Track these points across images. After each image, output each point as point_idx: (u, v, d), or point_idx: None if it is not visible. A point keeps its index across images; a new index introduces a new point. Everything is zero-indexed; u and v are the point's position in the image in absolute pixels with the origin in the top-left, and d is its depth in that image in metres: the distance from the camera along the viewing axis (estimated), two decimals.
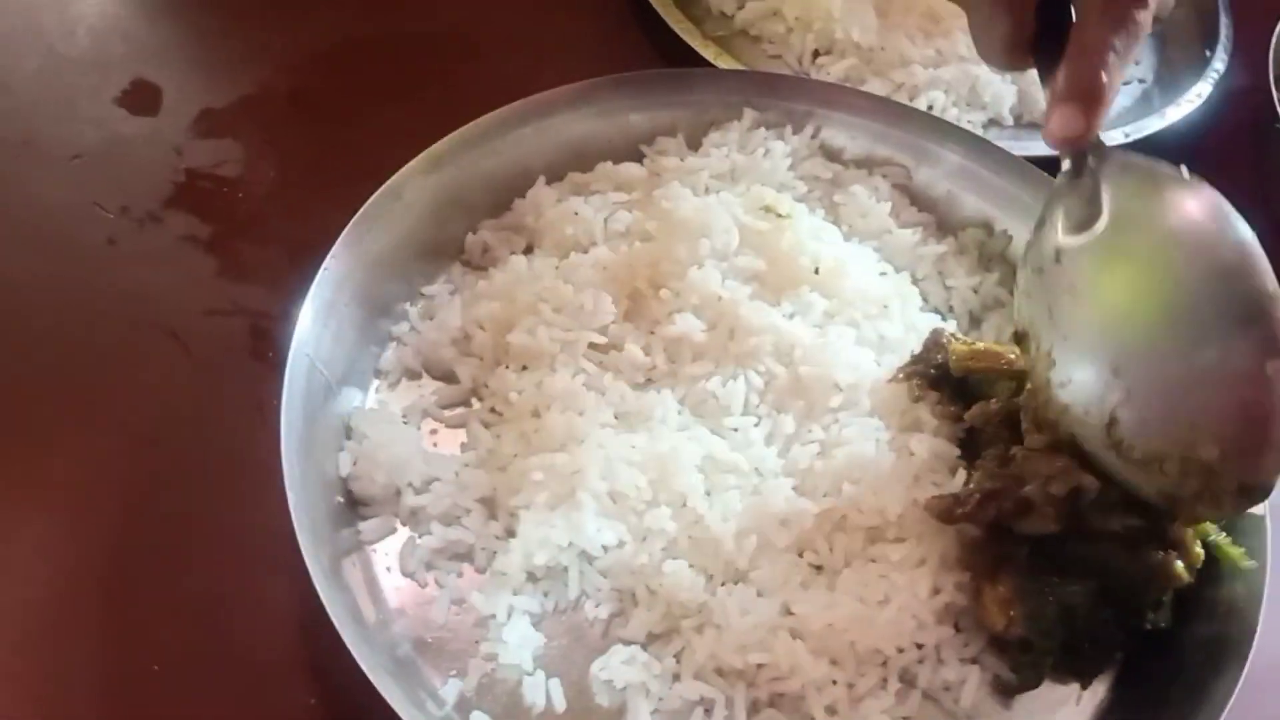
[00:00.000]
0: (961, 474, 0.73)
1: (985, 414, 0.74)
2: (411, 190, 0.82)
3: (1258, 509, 0.69)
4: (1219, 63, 1.06)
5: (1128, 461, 0.63)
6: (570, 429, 0.73)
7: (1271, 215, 0.99)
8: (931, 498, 0.70)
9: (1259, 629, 0.67)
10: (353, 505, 0.73)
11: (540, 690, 0.66)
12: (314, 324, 0.73)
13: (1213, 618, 0.70)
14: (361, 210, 0.78)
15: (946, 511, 0.69)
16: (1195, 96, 1.03)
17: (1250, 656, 0.65)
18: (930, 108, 1.02)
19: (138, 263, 0.88)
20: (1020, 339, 0.71)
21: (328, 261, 0.75)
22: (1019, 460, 0.69)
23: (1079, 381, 0.66)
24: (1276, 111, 0.97)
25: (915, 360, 0.78)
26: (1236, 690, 0.64)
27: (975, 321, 0.89)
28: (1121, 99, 1.10)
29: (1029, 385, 0.70)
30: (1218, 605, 0.70)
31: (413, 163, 0.82)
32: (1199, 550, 0.68)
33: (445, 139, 0.84)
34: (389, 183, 0.80)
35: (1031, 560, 0.68)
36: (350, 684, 0.59)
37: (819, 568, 0.71)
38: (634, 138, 0.93)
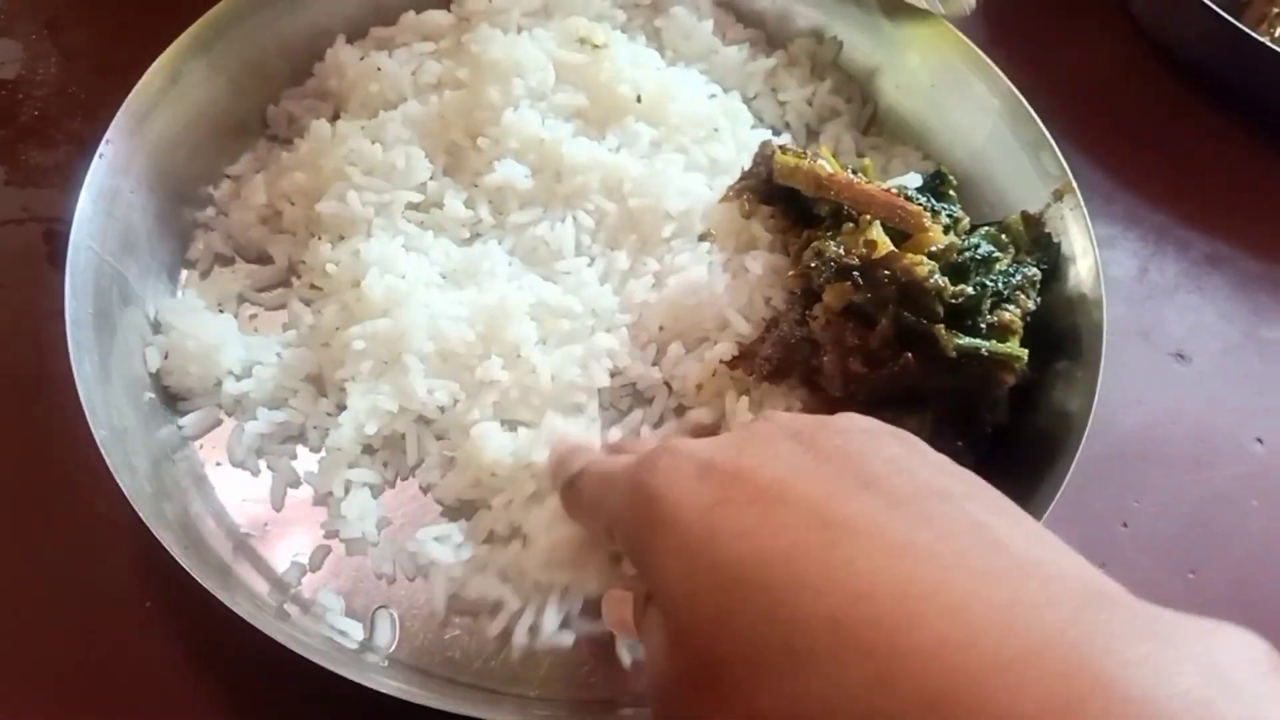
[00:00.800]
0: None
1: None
2: (195, 62, 0.75)
3: None
4: None
5: None
6: (392, 293, 0.69)
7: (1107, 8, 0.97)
8: (730, 359, 0.68)
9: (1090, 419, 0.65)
10: (171, 402, 0.69)
11: (387, 560, 0.64)
12: (95, 216, 0.67)
13: (1048, 409, 0.69)
14: (132, 91, 0.72)
15: (744, 372, 0.67)
16: None
17: (1081, 446, 0.64)
18: None
19: None
20: None
21: (101, 148, 0.69)
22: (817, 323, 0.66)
23: None
24: None
25: (745, 176, 0.75)
26: (1067, 477, 0.62)
27: (813, 135, 0.86)
28: None
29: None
30: (1052, 396, 0.69)
31: (186, 33, 0.75)
32: (1021, 352, 0.66)
33: (223, 2, 0.78)
34: (161, 58, 0.73)
35: (861, 406, 0.66)
36: (188, 583, 0.57)
37: None
38: None
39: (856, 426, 0.41)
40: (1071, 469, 0.61)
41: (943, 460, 0.40)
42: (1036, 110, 0.77)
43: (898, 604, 0.31)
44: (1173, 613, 0.30)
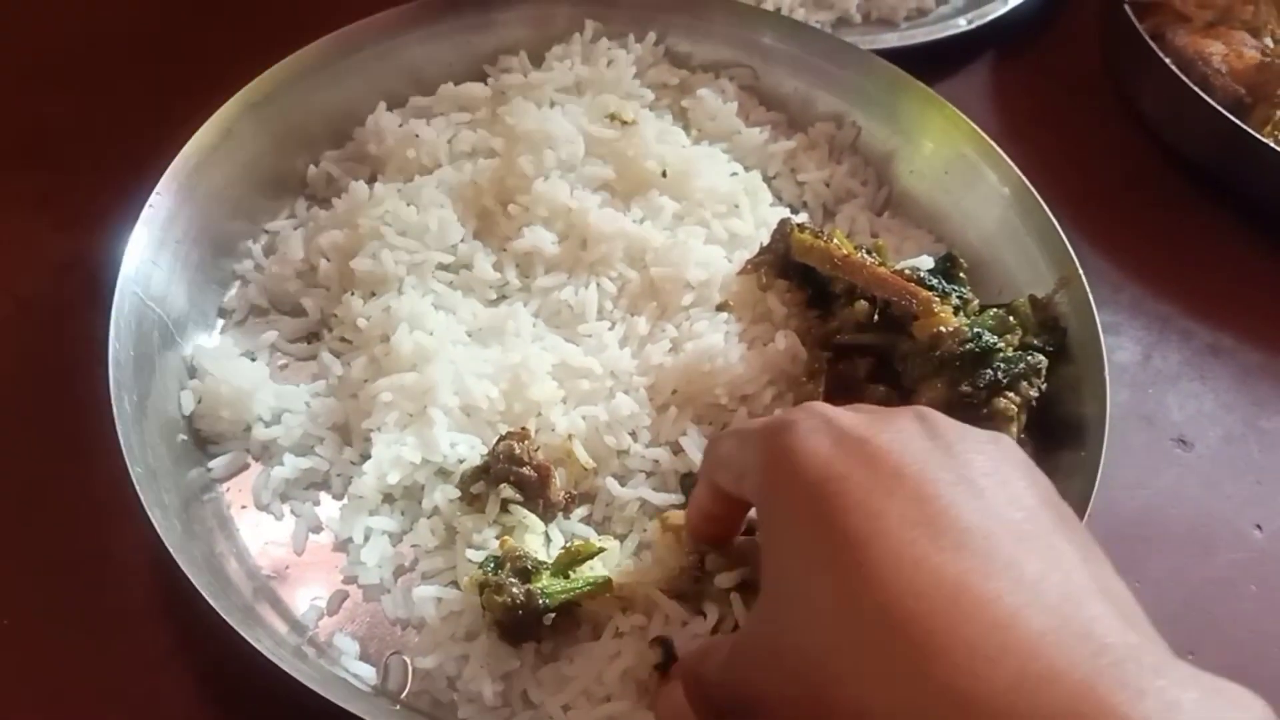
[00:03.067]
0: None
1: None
2: (241, 123, 0.80)
3: None
4: None
5: None
6: (420, 349, 0.72)
7: (1118, 92, 1.01)
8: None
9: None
10: (202, 445, 0.71)
11: (400, 607, 0.65)
12: (141, 261, 0.71)
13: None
14: (185, 147, 0.76)
15: None
16: None
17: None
18: (778, 9, 1.02)
19: None
20: None
21: (152, 199, 0.73)
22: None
23: None
24: None
25: (764, 251, 0.79)
26: None
27: (829, 214, 0.89)
28: None
29: None
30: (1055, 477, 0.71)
31: (239, 94, 0.79)
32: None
33: (273, 68, 0.82)
34: (214, 117, 0.78)
35: None
36: (209, 624, 0.58)
37: None
38: (476, 58, 0.91)
39: (998, 445, 0.45)
40: None
41: (1049, 489, 0.44)
42: (1046, 200, 0.81)
43: (949, 606, 0.35)
44: (1192, 668, 0.33)
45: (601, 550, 0.65)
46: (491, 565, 0.63)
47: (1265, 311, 0.88)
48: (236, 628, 0.57)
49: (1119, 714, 0.31)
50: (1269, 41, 1.00)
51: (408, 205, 0.79)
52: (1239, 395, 0.83)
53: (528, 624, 0.61)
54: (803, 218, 0.85)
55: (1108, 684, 0.32)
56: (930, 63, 0.95)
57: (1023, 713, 0.32)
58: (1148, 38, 0.93)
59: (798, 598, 0.41)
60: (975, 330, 0.71)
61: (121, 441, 0.62)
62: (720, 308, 0.77)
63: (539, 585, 0.62)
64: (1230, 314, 0.87)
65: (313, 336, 0.78)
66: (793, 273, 0.78)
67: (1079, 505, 0.66)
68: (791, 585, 0.42)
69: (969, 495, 0.40)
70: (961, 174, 0.85)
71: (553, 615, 0.62)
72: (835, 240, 0.75)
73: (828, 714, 0.38)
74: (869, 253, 0.77)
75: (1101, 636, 0.34)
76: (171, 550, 0.59)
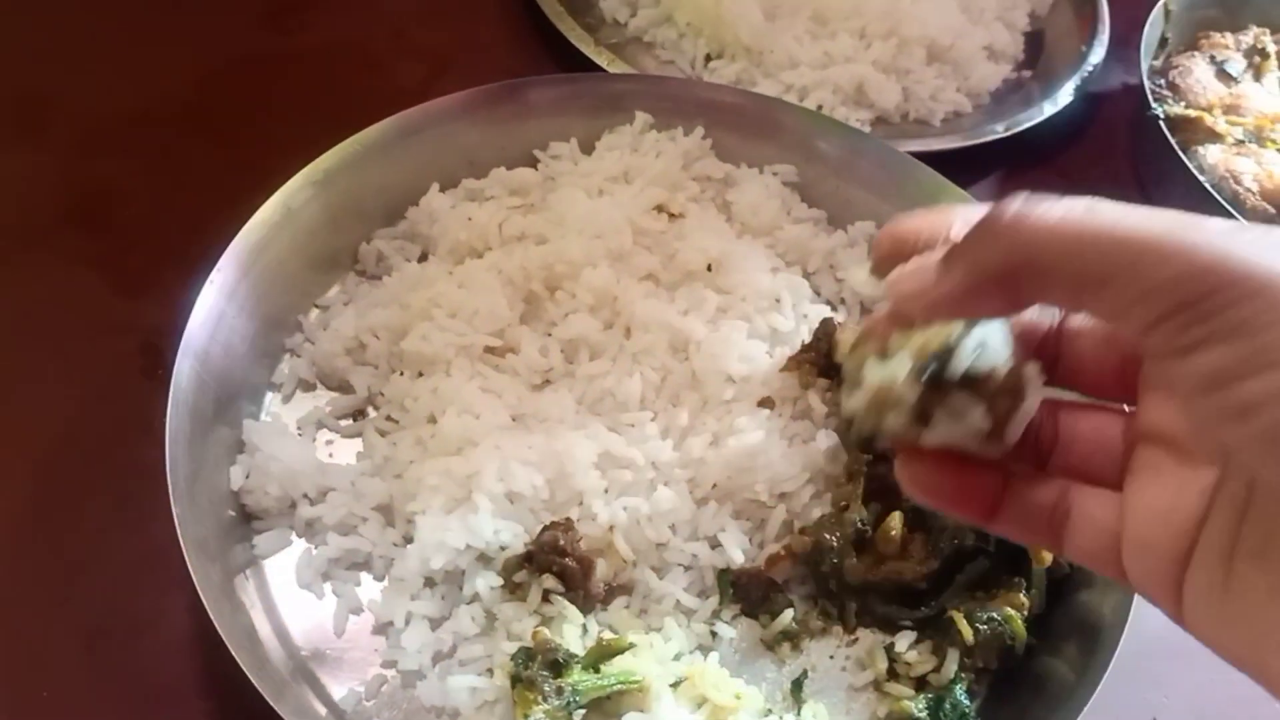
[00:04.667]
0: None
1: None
2: (301, 200, 0.82)
3: None
4: (1095, 56, 1.10)
5: None
6: (466, 432, 0.73)
7: (1148, 200, 1.04)
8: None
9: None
10: (247, 520, 0.72)
11: (437, 693, 0.65)
12: (200, 336, 0.72)
13: (1084, 601, 0.72)
14: (249, 222, 0.78)
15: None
16: (1072, 90, 1.06)
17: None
18: (820, 108, 1.05)
19: (27, 284, 0.86)
20: None
21: (213, 275, 0.74)
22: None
23: None
24: (1149, 101, 1.01)
25: (805, 349, 0.80)
26: (1105, 676, 0.65)
27: (867, 312, 0.91)
28: (1002, 91, 1.14)
29: None
30: (1090, 590, 0.72)
31: (302, 173, 0.81)
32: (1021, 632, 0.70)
33: (335, 148, 0.84)
34: (277, 194, 0.80)
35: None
36: (246, 702, 0.59)
37: None
38: (527, 144, 0.94)
39: None
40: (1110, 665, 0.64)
41: None
42: None
43: None
44: None
45: (632, 645, 0.66)
46: (523, 658, 0.63)
47: None
48: (275, 706, 0.58)
49: None
50: None
51: (458, 287, 0.81)
52: None
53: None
54: (841, 315, 0.86)
55: None
56: (965, 166, 0.97)
57: None
58: (1180, 153, 0.96)
59: None
60: None
61: (176, 515, 0.63)
62: (761, 403, 0.78)
63: (570, 680, 0.62)
64: None
65: (359, 414, 0.79)
66: (833, 372, 0.79)
67: (1113, 623, 0.67)
68: None
69: None
70: None
71: (583, 712, 0.62)
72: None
73: None
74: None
75: None
76: (217, 625, 0.60)
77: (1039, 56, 1.18)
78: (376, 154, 0.87)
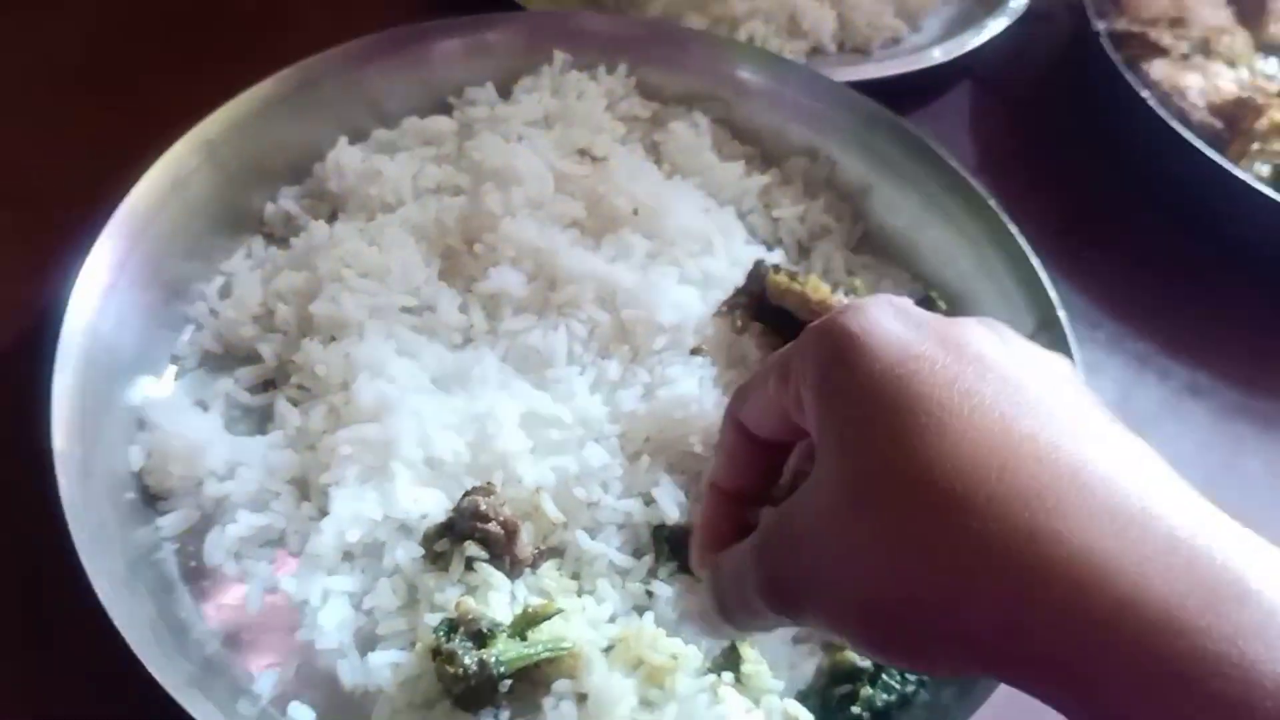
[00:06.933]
0: None
1: None
2: (197, 160, 0.76)
3: None
4: None
5: None
6: (382, 398, 0.69)
7: (1094, 124, 1.00)
8: None
9: None
10: (150, 501, 0.68)
11: (358, 672, 0.62)
12: (85, 311, 0.67)
13: None
14: (134, 189, 0.72)
15: None
16: (1015, 9, 1.02)
17: None
18: (751, 39, 1.00)
19: None
20: None
21: (100, 240, 0.70)
22: None
23: None
24: (1090, 18, 0.97)
25: (739, 293, 0.76)
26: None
27: (804, 251, 0.87)
28: (946, 10, 1.09)
29: None
30: None
31: (190, 134, 0.76)
32: None
33: (231, 103, 0.79)
34: (164, 157, 0.75)
35: None
36: (156, 693, 0.55)
37: None
38: (441, 90, 0.89)
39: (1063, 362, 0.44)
40: None
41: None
42: (1024, 235, 0.79)
43: (1069, 478, 0.35)
44: None
45: (560, 611, 0.62)
46: (445, 630, 0.60)
47: (1243, 349, 0.87)
48: (184, 704, 0.55)
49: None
50: (1246, 72, 1.00)
51: (369, 245, 0.76)
52: (1216, 435, 0.81)
53: (483, 692, 0.58)
54: (778, 255, 0.83)
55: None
56: (906, 94, 0.94)
57: (1172, 578, 0.33)
58: (1124, 70, 0.92)
59: (872, 489, 0.38)
60: None
61: (65, 503, 0.59)
62: (694, 351, 0.75)
63: (494, 651, 0.59)
64: (1208, 352, 0.86)
65: (269, 385, 0.75)
66: (768, 315, 0.76)
67: None
68: (865, 480, 0.38)
69: (1057, 391, 0.39)
70: (937, 211, 0.83)
71: (510, 682, 0.59)
72: (811, 284, 0.73)
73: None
74: (847, 294, 0.76)
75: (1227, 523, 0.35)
76: (116, 622, 0.56)
77: None
78: (276, 107, 0.82)
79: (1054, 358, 0.44)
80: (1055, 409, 0.38)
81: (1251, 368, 0.86)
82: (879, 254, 0.87)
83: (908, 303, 0.44)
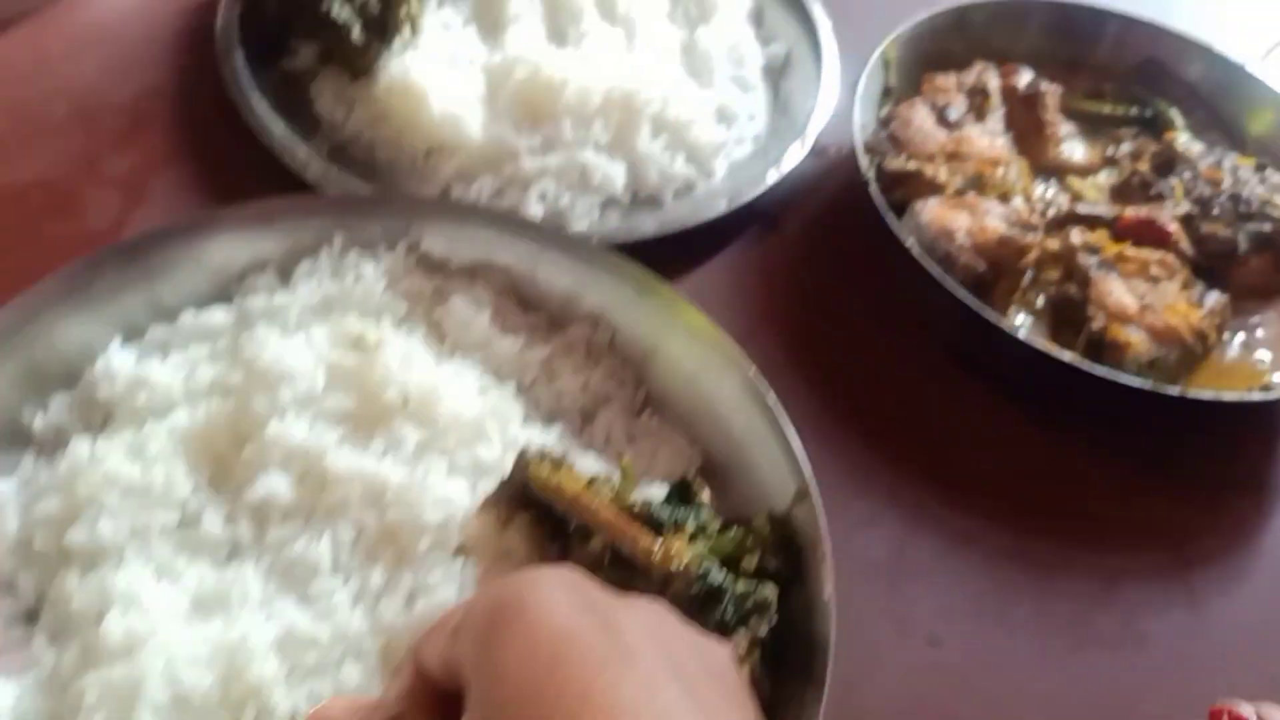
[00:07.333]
0: None
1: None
2: None
3: None
4: (820, 115, 1.08)
5: None
6: (131, 634, 0.68)
7: (865, 274, 1.03)
8: None
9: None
10: None
11: None
12: None
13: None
14: None
15: None
16: (797, 155, 1.05)
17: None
18: (544, 197, 1.02)
19: None
20: None
21: None
22: None
23: None
24: (859, 162, 1.00)
25: (503, 485, 0.77)
26: None
27: (588, 419, 0.89)
28: (739, 150, 1.12)
29: None
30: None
31: None
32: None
33: (3, 309, 0.78)
34: None
35: None
36: None
37: None
38: (224, 279, 0.89)
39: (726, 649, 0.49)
40: None
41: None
42: (795, 395, 0.81)
43: None
44: None
45: None
46: None
47: (1016, 490, 0.89)
48: None
49: None
50: (1020, 202, 1.04)
51: (133, 461, 0.76)
52: (987, 582, 0.84)
53: None
54: (555, 431, 0.84)
55: None
56: (694, 243, 0.96)
57: None
58: (890, 218, 0.95)
59: None
60: (704, 569, 0.70)
61: None
62: (459, 550, 0.76)
63: None
64: (984, 496, 0.89)
65: (32, 618, 0.74)
66: (535, 504, 0.77)
67: None
68: None
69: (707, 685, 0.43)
70: (709, 375, 0.85)
71: None
72: (567, 477, 0.75)
73: None
74: (609, 480, 0.77)
75: None
76: None
77: (772, 108, 1.17)
78: (55, 307, 0.81)
79: (714, 647, 0.48)
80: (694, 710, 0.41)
81: (1022, 509, 0.88)
82: (661, 417, 0.88)
83: (583, 581, 0.46)
